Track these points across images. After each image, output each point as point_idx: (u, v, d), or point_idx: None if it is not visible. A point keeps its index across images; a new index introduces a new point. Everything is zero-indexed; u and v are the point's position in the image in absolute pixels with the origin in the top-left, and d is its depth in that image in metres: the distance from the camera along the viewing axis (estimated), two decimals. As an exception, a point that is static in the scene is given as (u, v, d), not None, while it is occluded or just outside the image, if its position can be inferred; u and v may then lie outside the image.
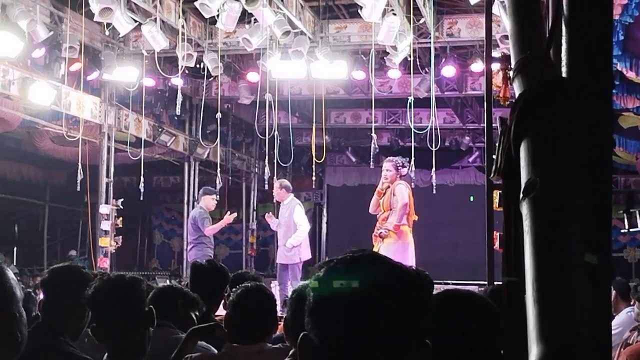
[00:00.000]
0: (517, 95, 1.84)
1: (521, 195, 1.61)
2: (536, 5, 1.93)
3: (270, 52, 13.11)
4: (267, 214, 12.53)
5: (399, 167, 10.72)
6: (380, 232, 10.35)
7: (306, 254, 11.79)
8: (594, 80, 1.76)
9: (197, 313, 4.07)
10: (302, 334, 1.46)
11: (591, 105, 1.73)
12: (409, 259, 10.16)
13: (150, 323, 2.94)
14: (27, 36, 11.59)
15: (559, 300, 1.42)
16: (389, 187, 10.62)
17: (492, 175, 1.80)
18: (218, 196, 12.40)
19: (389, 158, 11.08)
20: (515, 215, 1.65)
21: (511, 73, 1.95)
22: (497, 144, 1.83)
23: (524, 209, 1.59)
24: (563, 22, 1.81)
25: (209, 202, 11.97)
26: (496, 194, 6.18)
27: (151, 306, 2.98)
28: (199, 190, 17.54)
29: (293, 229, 11.51)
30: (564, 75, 1.78)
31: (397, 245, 10.26)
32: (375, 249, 10.33)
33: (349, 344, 1.40)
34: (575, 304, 1.41)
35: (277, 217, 12.02)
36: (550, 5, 1.95)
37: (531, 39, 1.88)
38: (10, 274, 1.99)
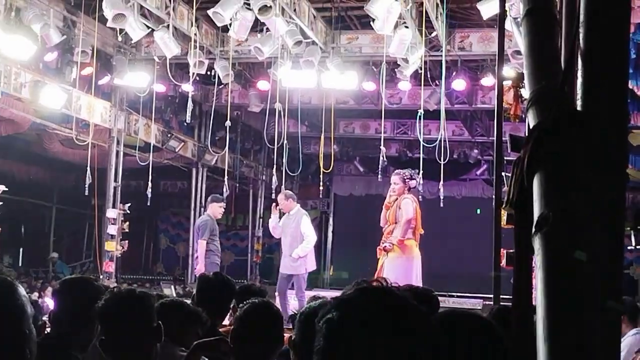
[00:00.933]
0: (531, 127, 1.85)
1: (533, 230, 1.61)
2: (553, 37, 1.93)
3: (281, 61, 13.13)
4: (273, 205, 12.28)
5: (407, 180, 10.66)
6: (385, 246, 10.31)
7: (311, 265, 11.75)
8: (609, 113, 1.76)
9: (200, 329, 4.05)
10: None
11: (606, 140, 1.73)
12: (413, 274, 10.12)
13: (158, 339, 2.95)
14: (40, 40, 11.63)
15: (570, 338, 1.42)
16: (396, 199, 10.59)
17: (504, 206, 1.80)
18: (225, 204, 12.36)
19: (397, 171, 11.02)
20: (527, 249, 1.65)
21: (525, 103, 1.95)
22: (509, 174, 1.83)
23: (536, 244, 1.59)
24: (579, 54, 1.82)
25: (216, 209, 11.94)
26: (504, 212, 6.17)
27: (159, 322, 2.99)
28: (206, 196, 17.62)
29: (299, 240, 11.45)
30: (579, 108, 1.78)
31: (402, 260, 10.22)
32: (380, 262, 10.31)
33: None
34: (586, 342, 1.42)
35: (282, 227, 11.91)
36: (565, 37, 1.96)
37: (547, 71, 1.88)
38: (22, 290, 2.00)
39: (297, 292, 11.41)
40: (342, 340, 1.45)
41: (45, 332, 3.43)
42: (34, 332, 2.00)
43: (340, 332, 1.46)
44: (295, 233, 11.47)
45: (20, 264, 20.63)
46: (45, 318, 3.62)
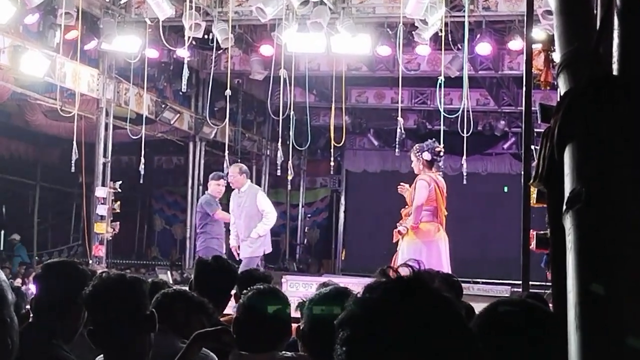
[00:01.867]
0: (562, 93, 1.84)
1: (564, 208, 1.61)
2: (586, -7, 1.92)
3: (286, 23, 13.09)
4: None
5: (418, 155, 10.50)
6: (399, 230, 10.29)
7: (269, 247, 11.73)
8: (648, 78, 1.75)
9: (206, 321, 4.07)
10: None
11: (645, 107, 1.72)
12: (434, 259, 10.07)
13: (151, 328, 2.96)
14: (20, 0, 11.62)
15: (605, 328, 1.42)
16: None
17: (532, 181, 1.80)
18: (223, 181, 12.34)
19: (413, 147, 10.93)
20: (562, 229, 1.64)
21: (556, 67, 1.94)
22: (538, 147, 1.83)
23: (567, 223, 1.59)
24: (615, 13, 1.80)
25: (214, 188, 11.98)
26: (534, 189, 6.16)
27: (153, 310, 3.01)
28: (204, 173, 17.65)
29: (258, 218, 11.35)
30: (614, 72, 1.77)
31: (417, 244, 10.21)
32: (399, 246, 10.33)
33: None
34: (621, 332, 1.41)
35: (231, 208, 11.77)
36: (601, -6, 1.94)
37: (579, 31, 1.87)
38: (1, 275, 2.01)
39: None
40: (368, 356, 1.39)
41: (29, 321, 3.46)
42: (15, 320, 2.01)
43: (365, 348, 1.40)
44: (252, 211, 11.39)
45: (2, 248, 20.74)
46: (29, 307, 3.66)
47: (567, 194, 1.62)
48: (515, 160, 20.40)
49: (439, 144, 12.31)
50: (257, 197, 11.53)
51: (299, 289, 11.75)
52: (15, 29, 13.04)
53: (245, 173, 11.77)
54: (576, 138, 1.70)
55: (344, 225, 23.47)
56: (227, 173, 12.58)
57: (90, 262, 14.09)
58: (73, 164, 13.81)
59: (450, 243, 10.80)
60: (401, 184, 10.74)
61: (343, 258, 22.85)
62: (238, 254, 11.48)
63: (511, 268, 9.59)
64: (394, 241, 10.44)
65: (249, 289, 3.65)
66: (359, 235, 22.26)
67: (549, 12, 10.47)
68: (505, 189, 20.64)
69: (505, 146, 21.13)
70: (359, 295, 1.48)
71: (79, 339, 3.41)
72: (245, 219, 11.48)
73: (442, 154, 10.84)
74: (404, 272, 1.50)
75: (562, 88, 1.84)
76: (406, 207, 10.51)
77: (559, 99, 1.85)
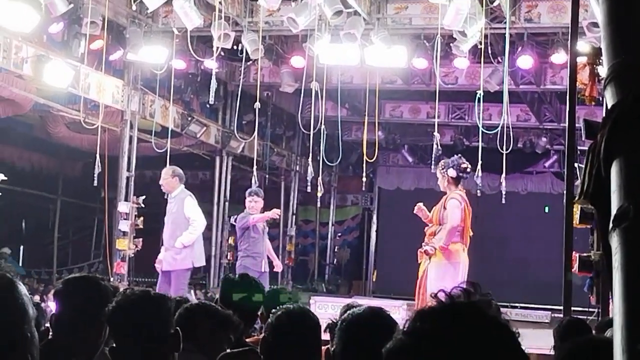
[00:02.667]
0: (609, 107, 1.83)
1: (610, 226, 1.60)
2: (636, 3, 1.91)
3: (318, 34, 13.12)
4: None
5: (443, 171, 10.43)
6: (426, 250, 10.20)
7: (200, 259, 11.40)
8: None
9: (232, 334, 4.07)
10: None
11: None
12: (460, 281, 10.01)
13: (175, 347, 2.97)
14: (44, 9, 11.74)
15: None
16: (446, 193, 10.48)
17: (577, 199, 1.79)
18: (256, 197, 12.32)
19: (439, 163, 10.83)
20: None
21: (603, 80, 1.93)
22: (584, 163, 1.82)
23: (614, 241, 1.58)
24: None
25: (248, 204, 12.04)
26: (577, 208, 6.12)
27: (177, 328, 3.02)
28: (231, 188, 17.71)
29: (184, 227, 11.08)
30: (665, 85, 1.76)
31: (447, 266, 10.14)
32: (422, 268, 10.27)
33: None
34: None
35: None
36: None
37: (628, 43, 1.85)
38: (23, 289, 2.03)
39: (176, 291, 10.33)
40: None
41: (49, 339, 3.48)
42: (36, 336, 2.03)
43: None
44: (178, 219, 11.17)
45: (20, 264, 20.89)
46: (48, 325, 3.68)
47: (614, 211, 1.61)
48: (557, 180, 20.29)
49: (478, 160, 12.28)
50: (185, 202, 11.23)
51: (327, 310, 11.74)
52: (39, 38, 13.19)
53: (179, 176, 11.46)
54: (623, 154, 1.69)
55: (376, 245, 23.43)
56: (252, 189, 12.60)
57: (112, 279, 14.15)
58: (95, 178, 13.88)
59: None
60: (418, 204, 10.65)
61: (374, 279, 22.79)
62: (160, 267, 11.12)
63: (552, 292, 9.47)
64: (418, 262, 10.37)
65: (277, 308, 3.64)
66: (391, 256, 22.19)
67: (595, 24, 10.43)
68: (546, 209, 20.54)
69: (547, 164, 21.03)
70: (408, 323, 1.46)
71: (100, 357, 3.42)
72: (171, 227, 11.25)
73: (468, 170, 10.74)
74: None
75: (609, 102, 1.83)
76: (430, 225, 10.45)
77: (605, 113, 1.84)
